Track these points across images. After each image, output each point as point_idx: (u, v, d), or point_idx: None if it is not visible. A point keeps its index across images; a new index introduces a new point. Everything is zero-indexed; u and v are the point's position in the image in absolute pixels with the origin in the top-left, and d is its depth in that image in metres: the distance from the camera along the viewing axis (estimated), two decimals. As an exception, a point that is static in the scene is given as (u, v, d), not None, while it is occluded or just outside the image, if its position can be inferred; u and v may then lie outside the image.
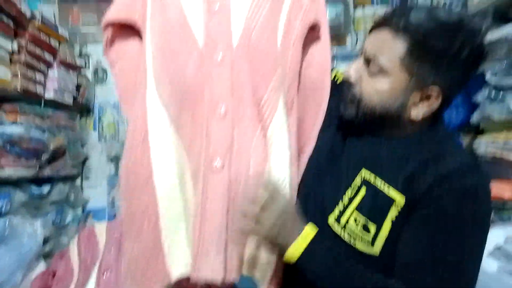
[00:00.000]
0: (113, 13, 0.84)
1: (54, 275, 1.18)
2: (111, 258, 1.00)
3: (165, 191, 0.74)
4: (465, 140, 2.01)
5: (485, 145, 1.60)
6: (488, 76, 1.56)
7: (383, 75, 0.71)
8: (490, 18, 1.53)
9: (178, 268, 0.73)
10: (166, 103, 0.77)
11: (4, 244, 1.10)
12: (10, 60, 1.59)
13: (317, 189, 0.81)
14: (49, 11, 2.36)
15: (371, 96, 0.73)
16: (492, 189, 1.44)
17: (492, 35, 1.51)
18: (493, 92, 1.57)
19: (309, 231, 0.70)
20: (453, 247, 0.65)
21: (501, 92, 1.52)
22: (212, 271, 0.70)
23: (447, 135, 0.79)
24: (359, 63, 0.76)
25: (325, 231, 0.74)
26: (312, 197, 0.81)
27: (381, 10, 2.63)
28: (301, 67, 0.86)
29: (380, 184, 0.72)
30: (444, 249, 0.65)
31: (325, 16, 0.90)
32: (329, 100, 0.89)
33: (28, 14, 1.60)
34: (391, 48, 0.69)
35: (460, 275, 0.65)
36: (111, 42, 0.87)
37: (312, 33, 0.86)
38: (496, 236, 0.81)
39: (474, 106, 1.76)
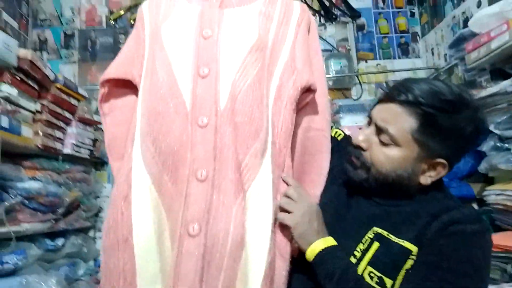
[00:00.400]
0: (113, 70, 0.90)
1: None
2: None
3: (142, 251, 0.74)
4: (475, 189, 2.02)
5: (494, 195, 1.61)
6: (492, 127, 1.61)
7: (395, 146, 0.77)
8: (487, 73, 1.60)
9: None
10: (148, 163, 0.78)
11: (20, 303, 1.12)
12: (33, 119, 1.69)
13: None
14: (70, 70, 2.53)
15: (382, 163, 0.79)
16: (502, 240, 1.44)
17: (492, 89, 1.58)
18: (498, 142, 1.60)
19: (331, 239, 0.79)
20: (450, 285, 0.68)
21: (506, 143, 1.55)
22: None
23: (449, 192, 0.85)
24: (369, 131, 0.82)
25: None
26: None
27: (383, 64, 2.75)
28: (299, 129, 0.88)
29: (394, 238, 0.76)
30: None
31: (321, 80, 0.91)
32: (334, 157, 0.93)
33: (52, 77, 1.72)
34: (402, 122, 0.76)
35: None
36: (106, 96, 0.92)
37: (309, 96, 0.87)
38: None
39: (481, 155, 1.78)
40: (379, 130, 0.79)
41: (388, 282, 0.73)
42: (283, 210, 0.81)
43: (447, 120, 0.74)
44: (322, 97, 0.91)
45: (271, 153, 0.80)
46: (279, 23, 0.88)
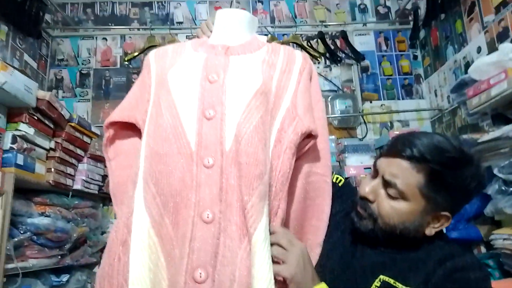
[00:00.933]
0: (117, 114, 0.91)
1: None
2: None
3: None
4: (482, 231, 2.00)
5: (501, 239, 1.60)
6: (495, 171, 1.62)
7: (402, 199, 0.80)
8: (489, 118, 1.64)
9: None
10: (149, 204, 0.76)
11: None
12: (46, 156, 1.75)
13: None
14: (84, 108, 2.62)
15: (390, 216, 0.81)
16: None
17: (494, 133, 1.61)
18: (503, 186, 1.61)
19: (324, 285, 0.79)
20: None
21: (511, 187, 1.56)
22: None
23: (449, 243, 0.87)
24: (375, 183, 0.84)
25: None
26: None
27: (387, 104, 2.80)
28: (299, 174, 0.88)
29: (401, 286, 0.78)
30: None
31: (323, 127, 0.92)
32: (332, 203, 0.95)
33: (67, 116, 1.79)
34: (410, 178, 0.79)
35: None
36: (111, 140, 0.93)
37: (310, 142, 0.87)
38: None
39: (487, 197, 1.79)
40: (387, 184, 0.81)
41: None
42: (275, 261, 0.77)
43: (453, 177, 0.77)
44: (324, 143, 0.92)
45: (268, 199, 0.78)
46: (281, 71, 0.90)
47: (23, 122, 1.55)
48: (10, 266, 1.48)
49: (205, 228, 0.73)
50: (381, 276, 0.80)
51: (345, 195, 0.95)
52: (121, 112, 0.92)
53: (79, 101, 2.64)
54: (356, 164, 2.16)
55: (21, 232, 1.59)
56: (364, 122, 2.70)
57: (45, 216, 1.73)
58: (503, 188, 1.61)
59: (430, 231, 0.82)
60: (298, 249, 0.79)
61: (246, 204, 0.74)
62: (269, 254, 0.73)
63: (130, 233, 0.75)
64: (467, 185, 0.78)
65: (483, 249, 2.02)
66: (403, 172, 0.79)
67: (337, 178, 1.05)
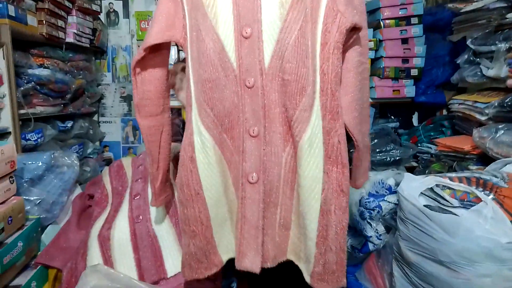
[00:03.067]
0: (158, 35, 0.89)
1: (89, 197, 1.46)
2: (139, 187, 1.27)
3: (213, 201, 0.89)
4: (447, 96, 2.22)
5: (457, 103, 1.81)
6: (468, 42, 1.73)
7: None
8: (475, -12, 1.66)
9: (227, 254, 0.92)
10: (210, 126, 0.86)
11: (51, 172, 1.37)
12: (36, 8, 1.75)
13: None
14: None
15: None
16: (454, 142, 1.69)
17: (477, 4, 1.66)
18: (472, 56, 1.74)
19: None
20: None
21: (477, 58, 1.70)
22: (252, 264, 0.86)
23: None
24: None
25: None
26: None
27: None
28: (350, 66, 0.90)
29: None
30: None
31: (362, 13, 0.89)
32: None
33: (50, -36, 1.72)
34: None
35: None
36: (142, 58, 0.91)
37: (355, 34, 0.87)
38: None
39: (458, 66, 1.94)
40: None
41: None
42: None
43: None
44: (364, 31, 0.90)
45: (320, 102, 0.83)
46: None
47: (8, -29, 1.51)
48: (22, 111, 1.65)
49: (252, 141, 0.84)
50: None
51: None
52: (160, 33, 0.89)
53: None
54: (343, 28, 2.21)
55: (25, 82, 1.71)
56: None
57: (44, 68, 1.84)
58: (471, 58, 1.74)
59: None
60: None
61: (291, 117, 0.82)
62: (315, 158, 0.83)
63: (194, 150, 0.87)
64: None
65: (444, 112, 2.28)
66: None
67: None
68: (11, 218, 1.07)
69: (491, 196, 0.93)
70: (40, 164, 1.32)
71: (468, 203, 0.94)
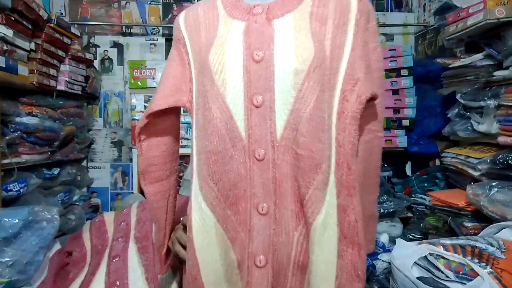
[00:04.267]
0: (163, 100, 0.83)
1: (68, 254, 1.39)
2: (119, 247, 1.21)
3: (212, 286, 0.78)
4: (440, 146, 2.21)
5: (450, 157, 1.80)
6: (458, 96, 1.74)
7: None
8: (463, 46, 1.70)
9: None
10: (212, 202, 0.77)
11: (29, 229, 1.30)
12: (28, 57, 1.76)
13: None
14: (60, 3, 2.50)
15: None
16: (448, 196, 1.64)
17: (465, 61, 1.68)
18: (462, 110, 1.75)
19: None
20: None
21: (468, 112, 1.70)
22: None
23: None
24: None
25: None
26: None
27: (376, 16, 2.76)
28: (360, 136, 0.82)
29: None
30: None
31: (380, 78, 0.83)
32: None
33: (45, 16, 1.75)
34: None
35: None
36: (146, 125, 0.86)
37: (370, 103, 0.79)
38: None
39: (449, 118, 1.94)
40: None
41: None
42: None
43: None
44: (380, 98, 0.82)
45: (335, 178, 0.75)
46: (335, 26, 0.77)
47: (1, 23, 1.52)
48: (5, 161, 1.61)
49: (261, 219, 0.75)
50: None
51: None
52: (164, 99, 0.83)
53: (55, -5, 2.51)
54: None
55: (11, 130, 1.69)
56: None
57: (33, 116, 1.81)
58: (461, 112, 1.75)
59: None
60: None
61: (304, 195, 0.73)
62: (330, 241, 0.74)
63: (191, 229, 0.79)
64: None
65: (437, 162, 2.26)
66: None
67: None
68: (-23, 285, 1.00)
69: (488, 269, 0.88)
70: (17, 221, 1.26)
71: (463, 276, 0.88)
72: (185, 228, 0.86)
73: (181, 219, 0.89)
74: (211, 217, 0.78)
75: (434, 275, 0.91)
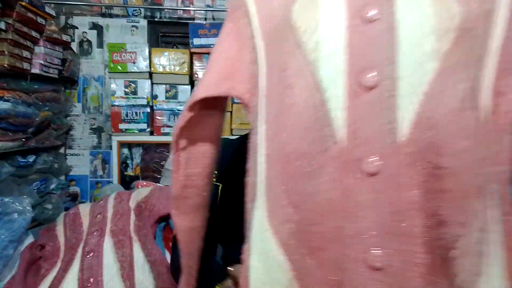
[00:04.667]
0: (211, 86, 0.60)
1: (41, 248, 1.33)
2: (94, 242, 1.16)
3: None
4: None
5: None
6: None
7: None
8: None
9: None
10: (289, 244, 0.50)
11: (-3, 221, 1.24)
12: (-2, 38, 1.65)
13: None
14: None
15: None
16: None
17: None
18: None
19: None
20: None
21: None
22: None
23: None
24: None
25: None
26: None
27: None
28: None
29: None
30: None
31: None
32: None
33: (15, -6, 1.64)
34: None
35: None
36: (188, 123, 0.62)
37: None
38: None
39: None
40: None
41: None
42: None
43: None
44: None
45: (502, 221, 0.47)
46: None
47: (-34, 0, 1.42)
48: (-26, 149, 1.52)
49: (374, 278, 0.46)
50: None
51: None
52: (214, 84, 0.60)
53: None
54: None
55: (-19, 116, 1.59)
56: None
57: (4, 101, 1.71)
58: None
59: None
60: None
61: (451, 243, 0.45)
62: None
63: (249, 284, 0.53)
64: None
65: None
66: None
67: None
68: None
69: None
70: (-16, 213, 1.19)
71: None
72: (235, 284, 0.61)
73: (228, 269, 0.67)
74: (284, 267, 0.50)
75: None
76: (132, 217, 1.29)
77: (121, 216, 1.28)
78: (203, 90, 0.60)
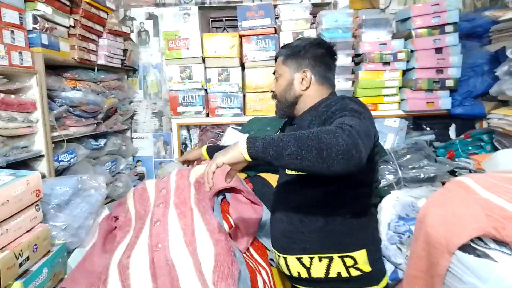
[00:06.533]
0: None
1: (115, 219, 1.50)
2: (159, 212, 1.29)
3: None
4: (487, 107, 2.08)
5: (497, 119, 1.69)
6: (508, 52, 1.61)
7: (280, 77, 1.30)
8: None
9: None
10: None
11: (78, 196, 1.41)
12: (68, 34, 1.83)
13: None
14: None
15: (280, 91, 1.30)
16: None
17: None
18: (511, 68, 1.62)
19: (243, 137, 0.97)
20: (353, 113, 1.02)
21: (518, 69, 1.58)
22: None
23: (331, 95, 1.27)
24: (273, 82, 1.34)
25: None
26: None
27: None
28: None
29: None
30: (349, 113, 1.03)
31: None
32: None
33: (80, -8, 1.79)
34: (278, 63, 1.32)
35: (363, 121, 0.98)
36: None
37: None
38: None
39: (497, 76, 1.81)
40: (275, 75, 1.33)
41: None
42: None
43: (294, 47, 1.29)
44: None
45: None
46: None
47: (40, 1, 1.59)
48: (55, 134, 1.72)
49: None
50: None
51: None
52: None
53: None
54: (372, 40, 2.13)
55: (59, 105, 1.79)
56: (388, -10, 2.53)
57: (77, 91, 1.91)
58: (511, 69, 1.62)
59: (302, 86, 1.25)
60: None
61: None
62: None
63: None
64: (302, 47, 1.26)
65: (485, 124, 2.14)
66: (276, 64, 1.33)
67: None
68: (36, 246, 1.11)
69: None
70: (68, 189, 1.36)
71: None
72: None
73: None
74: None
75: (474, 243, 0.89)
76: (192, 191, 1.41)
77: (182, 190, 1.40)
78: None
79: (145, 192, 1.47)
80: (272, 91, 1.32)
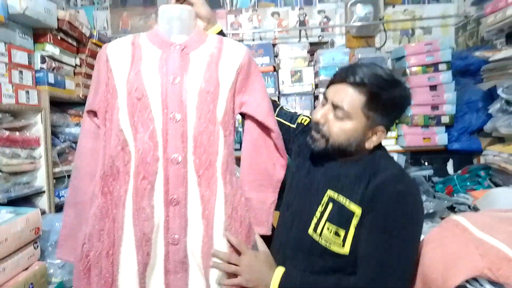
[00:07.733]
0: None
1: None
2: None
3: None
4: (483, 143, 2.11)
5: (492, 155, 1.71)
6: (499, 91, 1.66)
7: (348, 119, 0.95)
8: (503, 37, 1.61)
9: None
10: None
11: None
12: (74, 72, 1.90)
13: (298, 208, 1.04)
14: (103, 16, 2.66)
15: (338, 134, 0.97)
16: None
17: (507, 53, 1.60)
18: (505, 106, 1.66)
19: (280, 269, 0.96)
20: (390, 242, 0.88)
21: (511, 108, 1.62)
22: None
23: (383, 154, 1.02)
24: (326, 109, 0.98)
25: (307, 240, 0.99)
26: (296, 215, 1.04)
27: (411, 9, 2.68)
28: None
29: (343, 200, 0.96)
30: (383, 244, 0.89)
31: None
32: (301, 138, 1.14)
33: (87, 33, 1.88)
34: (353, 100, 0.94)
35: (397, 261, 0.88)
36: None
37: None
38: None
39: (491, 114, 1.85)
40: (335, 107, 0.96)
41: (341, 232, 0.94)
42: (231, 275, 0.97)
43: (386, 96, 0.93)
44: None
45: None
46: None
47: (49, 43, 1.66)
48: (57, 170, 1.75)
49: None
50: (329, 190, 0.99)
51: (309, 130, 1.06)
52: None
53: (97, 9, 2.67)
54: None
55: (62, 140, 1.83)
56: (384, 30, 2.63)
57: (80, 126, 1.95)
58: (504, 107, 1.66)
59: (369, 144, 0.98)
60: (246, 257, 0.98)
61: None
62: None
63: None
64: (397, 103, 0.95)
65: (482, 160, 2.16)
66: (348, 96, 0.94)
67: (302, 118, 1.20)
68: (33, 285, 1.11)
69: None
70: (67, 225, 1.37)
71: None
72: None
73: None
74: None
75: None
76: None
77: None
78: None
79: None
80: (319, 122, 0.99)
